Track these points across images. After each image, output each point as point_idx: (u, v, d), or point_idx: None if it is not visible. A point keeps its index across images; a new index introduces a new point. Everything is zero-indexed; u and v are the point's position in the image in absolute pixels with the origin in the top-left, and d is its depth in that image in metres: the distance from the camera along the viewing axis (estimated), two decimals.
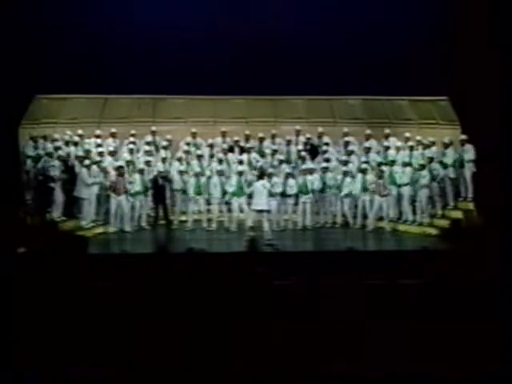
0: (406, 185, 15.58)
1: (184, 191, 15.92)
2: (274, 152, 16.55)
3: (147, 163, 15.91)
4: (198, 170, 15.97)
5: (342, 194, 15.74)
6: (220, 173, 15.83)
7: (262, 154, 16.64)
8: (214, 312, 8.55)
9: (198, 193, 15.79)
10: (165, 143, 16.62)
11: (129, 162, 15.89)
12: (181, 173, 15.95)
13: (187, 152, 16.42)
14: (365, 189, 15.70)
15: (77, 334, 8.31)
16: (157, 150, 16.68)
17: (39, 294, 8.69)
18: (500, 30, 13.02)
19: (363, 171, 15.81)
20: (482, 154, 15.11)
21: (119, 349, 8.26)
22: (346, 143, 16.76)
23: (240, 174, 15.70)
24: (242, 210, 15.68)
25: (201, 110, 17.74)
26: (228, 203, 15.85)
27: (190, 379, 8.18)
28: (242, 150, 16.77)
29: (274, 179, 15.52)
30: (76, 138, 16.27)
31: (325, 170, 15.97)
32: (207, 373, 8.16)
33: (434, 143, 16.07)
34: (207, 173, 16.01)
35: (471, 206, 15.53)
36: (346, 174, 15.85)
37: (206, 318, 8.52)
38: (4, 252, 10.33)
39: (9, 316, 8.40)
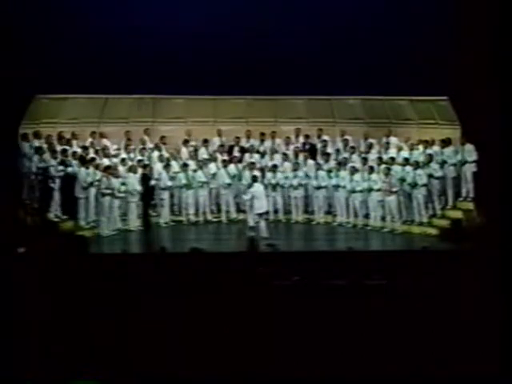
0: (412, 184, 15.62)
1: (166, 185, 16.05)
2: (274, 151, 16.85)
3: (139, 162, 16.07)
4: (187, 162, 16.26)
5: (353, 191, 15.87)
6: (204, 163, 16.25)
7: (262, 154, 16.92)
8: (214, 311, 8.56)
9: (188, 186, 16.05)
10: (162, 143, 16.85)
11: (124, 161, 16.01)
12: (166, 167, 16.10)
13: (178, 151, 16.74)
14: (371, 188, 15.74)
15: (76, 333, 8.33)
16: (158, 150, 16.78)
17: (39, 294, 8.70)
18: (500, 30, 13.01)
19: (370, 169, 15.86)
20: (482, 154, 15.11)
21: (118, 348, 8.26)
22: (346, 141, 16.87)
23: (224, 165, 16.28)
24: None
25: (201, 110, 17.76)
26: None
27: (190, 379, 8.19)
28: (243, 151, 16.88)
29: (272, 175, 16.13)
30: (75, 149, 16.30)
31: (338, 168, 16.17)
32: (207, 372, 8.16)
33: (434, 142, 16.09)
34: (192, 167, 16.29)
35: (471, 205, 15.51)
36: (353, 172, 15.95)
37: (206, 317, 8.53)
38: (4, 252, 10.34)
39: (9, 316, 8.42)
